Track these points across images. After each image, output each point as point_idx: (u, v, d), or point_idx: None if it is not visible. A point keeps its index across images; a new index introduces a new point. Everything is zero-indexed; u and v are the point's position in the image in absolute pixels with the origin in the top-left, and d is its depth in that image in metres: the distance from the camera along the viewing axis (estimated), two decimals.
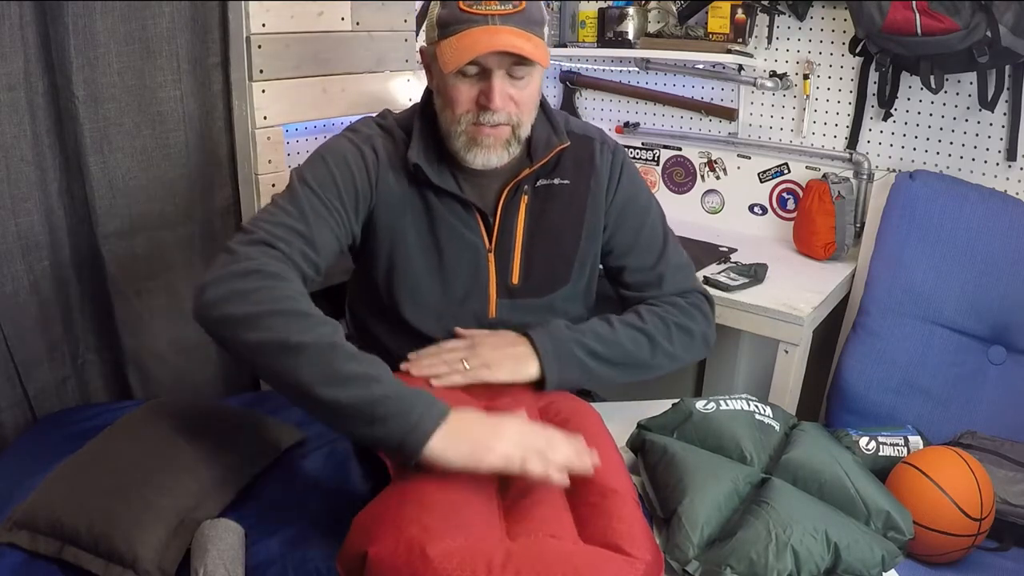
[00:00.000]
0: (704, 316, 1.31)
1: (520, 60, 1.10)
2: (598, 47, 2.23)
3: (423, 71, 1.24)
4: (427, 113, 1.22)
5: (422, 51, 1.21)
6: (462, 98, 1.13)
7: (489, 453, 0.89)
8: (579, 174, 1.27)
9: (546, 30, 1.17)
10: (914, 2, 1.62)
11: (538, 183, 1.25)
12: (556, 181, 1.26)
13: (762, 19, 2.02)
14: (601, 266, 1.36)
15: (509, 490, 0.92)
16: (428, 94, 1.23)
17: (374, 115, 1.28)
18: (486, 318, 1.26)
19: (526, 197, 1.24)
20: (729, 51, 2.02)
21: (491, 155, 1.16)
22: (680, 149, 2.27)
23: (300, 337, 0.91)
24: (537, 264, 1.26)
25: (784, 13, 1.99)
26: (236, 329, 0.93)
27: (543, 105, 1.26)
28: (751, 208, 2.18)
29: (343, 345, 0.94)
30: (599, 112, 2.41)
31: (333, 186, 1.14)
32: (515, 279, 1.26)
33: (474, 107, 1.13)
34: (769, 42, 2.04)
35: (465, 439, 0.90)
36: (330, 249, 1.13)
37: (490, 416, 0.96)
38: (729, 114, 2.17)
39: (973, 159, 1.86)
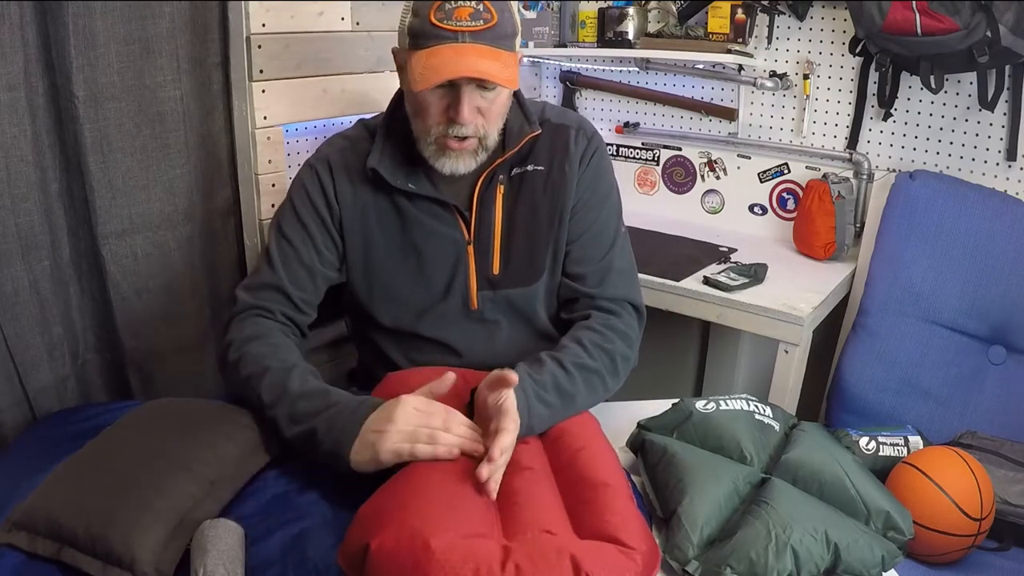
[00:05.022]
0: (634, 338, 1.26)
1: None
2: (598, 47, 2.23)
3: None
4: (398, 115, 1.24)
5: (394, 52, 1.21)
6: (431, 111, 1.15)
7: (382, 454, 0.96)
8: (553, 160, 1.27)
9: (518, 40, 1.17)
10: (914, 2, 1.62)
11: (512, 172, 1.26)
12: (530, 168, 1.26)
13: (762, 19, 2.02)
14: None
15: (505, 491, 0.92)
16: (400, 95, 1.25)
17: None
18: (469, 310, 1.27)
19: (501, 187, 1.26)
20: (729, 51, 2.02)
21: (459, 164, 1.19)
22: (680, 149, 2.26)
23: (267, 394, 1.09)
24: (517, 253, 1.27)
25: (784, 13, 1.99)
26: (239, 387, 1.15)
27: (517, 96, 1.27)
28: (751, 208, 2.18)
29: (295, 389, 1.07)
30: (599, 112, 2.41)
31: (298, 224, 1.24)
32: (496, 269, 1.27)
33: (443, 119, 1.15)
34: (769, 42, 2.04)
35: (367, 446, 0.98)
36: (313, 284, 1.25)
37: (383, 410, 1.00)
38: (729, 114, 2.17)
39: (973, 159, 1.86)
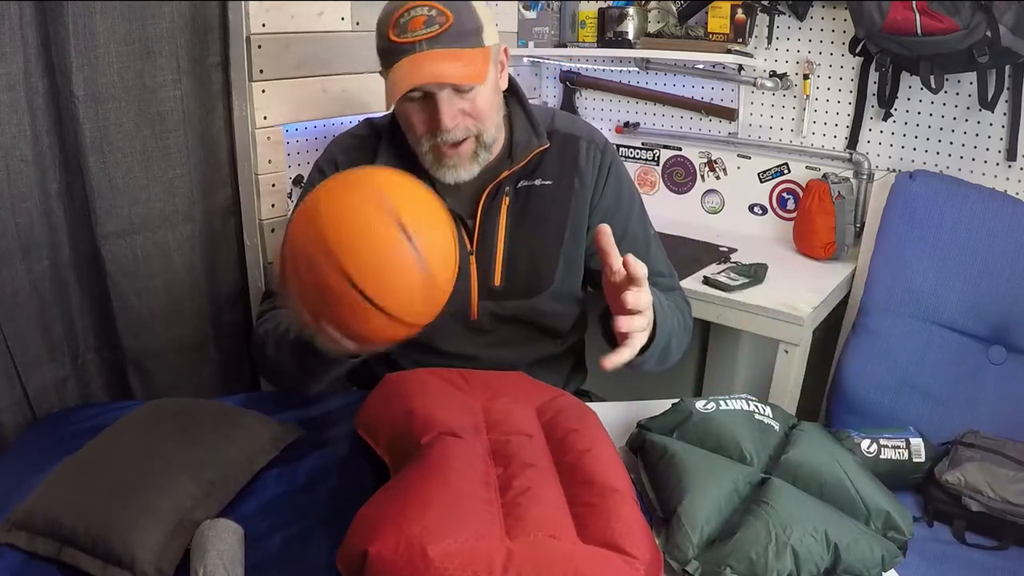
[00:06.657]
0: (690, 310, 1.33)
1: None
2: (598, 47, 2.23)
3: None
4: (399, 124, 1.23)
5: (381, 74, 1.20)
6: (416, 122, 1.15)
7: None
8: (562, 174, 1.26)
9: (486, 34, 1.13)
10: (914, 2, 1.62)
11: (519, 184, 1.25)
12: (538, 182, 1.26)
13: (762, 19, 2.02)
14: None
15: (508, 489, 0.92)
16: None
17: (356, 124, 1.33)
18: (468, 319, 1.27)
19: (507, 199, 1.25)
20: (729, 51, 2.02)
21: (460, 171, 1.18)
22: (680, 149, 2.27)
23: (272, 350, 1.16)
24: (520, 266, 1.26)
25: (784, 13, 1.99)
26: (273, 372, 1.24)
27: (523, 105, 1.26)
28: (751, 208, 2.18)
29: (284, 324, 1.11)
30: (599, 112, 2.42)
31: None
32: (497, 281, 1.26)
33: (429, 130, 1.14)
34: (769, 42, 2.04)
35: None
36: None
37: None
38: (729, 114, 2.17)
39: (973, 159, 1.86)
